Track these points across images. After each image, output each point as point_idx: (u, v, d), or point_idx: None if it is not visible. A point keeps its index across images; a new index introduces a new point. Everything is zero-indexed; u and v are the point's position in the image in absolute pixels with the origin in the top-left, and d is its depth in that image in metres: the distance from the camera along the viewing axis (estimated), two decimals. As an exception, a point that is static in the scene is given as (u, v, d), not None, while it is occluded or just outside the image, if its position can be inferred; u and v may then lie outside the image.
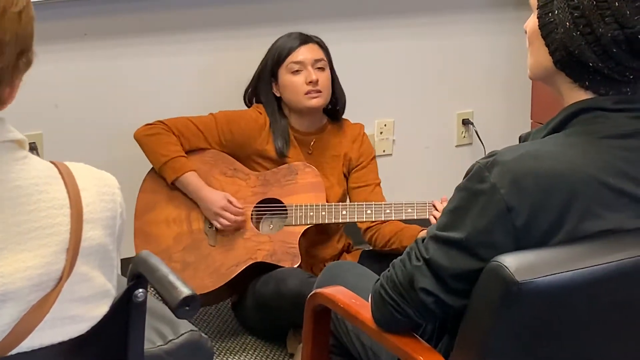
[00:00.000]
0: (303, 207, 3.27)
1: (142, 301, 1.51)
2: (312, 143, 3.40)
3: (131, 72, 3.58)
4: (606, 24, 1.75)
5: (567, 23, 1.79)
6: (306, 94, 3.30)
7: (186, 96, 3.67)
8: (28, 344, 1.42)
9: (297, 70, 3.32)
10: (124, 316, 1.51)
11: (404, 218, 3.24)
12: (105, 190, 1.52)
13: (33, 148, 3.23)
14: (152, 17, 3.56)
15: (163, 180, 3.29)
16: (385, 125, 4.06)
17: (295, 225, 3.28)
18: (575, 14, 1.78)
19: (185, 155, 3.27)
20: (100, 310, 1.49)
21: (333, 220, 3.27)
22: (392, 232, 3.32)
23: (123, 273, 1.58)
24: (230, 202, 3.26)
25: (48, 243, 1.43)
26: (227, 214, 3.25)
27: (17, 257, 1.40)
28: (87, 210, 1.47)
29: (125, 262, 1.62)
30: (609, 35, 1.75)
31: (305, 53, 3.33)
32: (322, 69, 3.34)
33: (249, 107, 3.43)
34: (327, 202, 3.29)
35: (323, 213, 3.26)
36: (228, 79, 3.67)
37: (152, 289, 1.51)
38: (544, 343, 1.78)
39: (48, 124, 3.47)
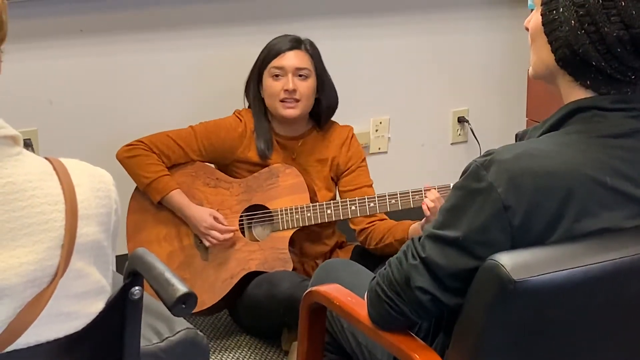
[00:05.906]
0: (288, 210, 3.26)
1: (138, 299, 1.50)
2: (297, 147, 3.36)
3: (127, 68, 3.57)
4: (612, 23, 1.75)
5: (572, 21, 1.79)
6: (281, 101, 3.25)
7: (182, 92, 3.66)
8: (24, 341, 1.41)
9: (277, 75, 3.26)
10: (120, 313, 1.50)
11: (388, 210, 3.21)
12: (100, 187, 1.52)
13: (28, 144, 3.22)
14: (149, 13, 3.55)
15: (148, 198, 3.27)
16: (380, 122, 4.06)
17: (282, 230, 3.27)
18: (581, 12, 1.78)
19: (168, 172, 3.24)
20: (96, 307, 1.49)
21: (319, 221, 3.25)
22: (385, 230, 3.28)
23: (119, 270, 1.57)
24: (217, 219, 3.24)
25: (42, 239, 1.42)
26: (215, 233, 3.24)
27: (11, 254, 1.40)
28: (82, 206, 1.47)
29: (119, 260, 1.62)
30: (614, 34, 1.76)
31: (290, 59, 3.26)
32: (304, 77, 3.26)
33: (249, 103, 3.38)
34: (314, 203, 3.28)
35: (309, 214, 3.25)
36: (224, 75, 3.66)
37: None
38: (539, 341, 1.78)
39: (43, 121, 3.46)
